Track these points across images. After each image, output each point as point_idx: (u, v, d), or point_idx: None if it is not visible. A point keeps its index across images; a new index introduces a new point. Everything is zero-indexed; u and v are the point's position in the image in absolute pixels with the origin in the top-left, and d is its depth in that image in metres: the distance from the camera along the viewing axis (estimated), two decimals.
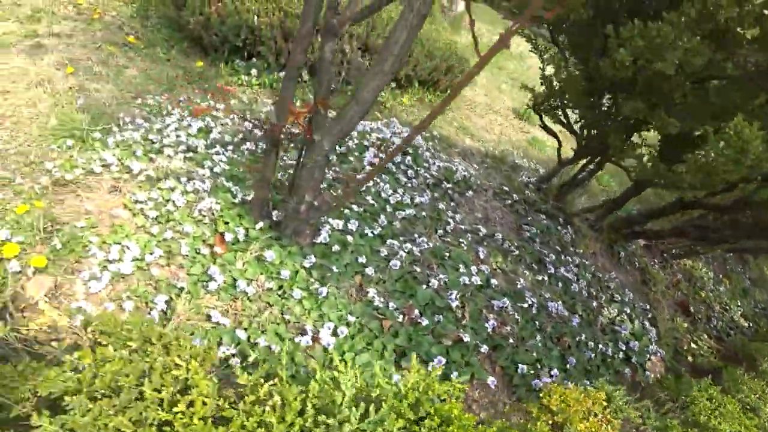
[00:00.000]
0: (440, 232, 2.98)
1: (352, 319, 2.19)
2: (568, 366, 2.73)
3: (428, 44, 3.90)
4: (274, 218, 2.39)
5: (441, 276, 2.62)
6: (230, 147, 2.71)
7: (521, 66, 7.46)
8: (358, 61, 3.61)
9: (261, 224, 2.35)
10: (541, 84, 3.13)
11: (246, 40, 3.31)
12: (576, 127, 3.17)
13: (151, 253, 2.14)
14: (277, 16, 3.27)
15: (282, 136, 2.13)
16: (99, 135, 2.54)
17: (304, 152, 2.15)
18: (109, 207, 2.32)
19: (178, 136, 2.65)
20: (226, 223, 2.36)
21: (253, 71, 3.38)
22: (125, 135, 2.59)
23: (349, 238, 2.54)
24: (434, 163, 3.29)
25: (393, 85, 4.06)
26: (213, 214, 2.34)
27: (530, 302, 2.80)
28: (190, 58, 3.51)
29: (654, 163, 2.20)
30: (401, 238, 2.77)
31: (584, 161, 3.43)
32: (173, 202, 2.30)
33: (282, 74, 3.48)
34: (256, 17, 3.24)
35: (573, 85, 2.53)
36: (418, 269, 2.60)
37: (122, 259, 2.07)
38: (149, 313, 1.96)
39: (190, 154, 2.60)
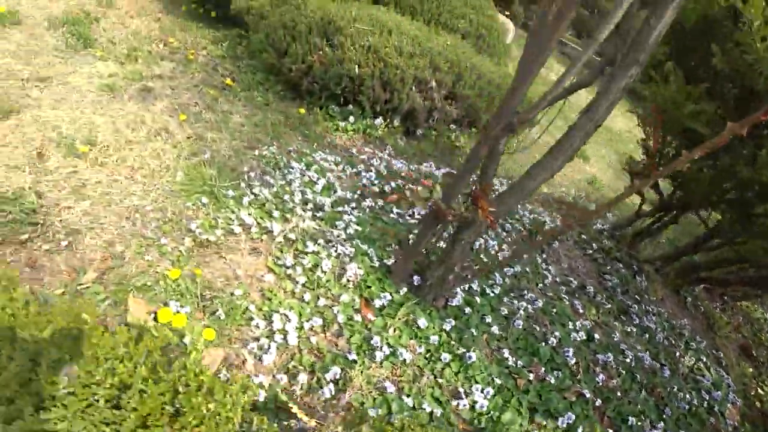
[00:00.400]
0: (540, 285, 3.05)
1: (498, 381, 2.24)
2: (664, 416, 2.82)
3: (504, 91, 3.96)
4: (414, 283, 2.42)
5: (556, 333, 2.68)
6: (353, 204, 2.72)
7: None
8: (445, 109, 3.65)
9: (404, 289, 2.38)
10: (643, 154, 3.24)
11: (345, 88, 3.31)
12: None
13: (308, 321, 2.14)
14: (377, 66, 3.28)
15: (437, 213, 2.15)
16: (231, 192, 2.53)
17: (460, 229, 2.18)
18: (255, 270, 2.33)
19: (303, 193, 2.66)
20: (369, 287, 2.38)
21: (351, 118, 3.38)
22: (255, 191, 2.61)
23: (476, 298, 2.58)
24: (524, 215, 3.35)
25: (472, 129, 4.11)
26: (357, 278, 2.36)
27: (629, 356, 2.88)
28: (287, 103, 3.52)
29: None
30: (511, 294, 2.83)
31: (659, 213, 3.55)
32: (320, 267, 2.30)
33: (377, 121, 3.50)
34: (357, 67, 3.24)
35: (697, 176, 2.65)
36: (537, 327, 2.66)
37: (286, 329, 2.06)
38: (322, 386, 1.96)
39: (320, 213, 2.61)
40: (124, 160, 2.67)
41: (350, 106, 3.52)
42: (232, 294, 2.16)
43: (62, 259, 2.17)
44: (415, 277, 2.47)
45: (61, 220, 2.31)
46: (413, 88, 3.49)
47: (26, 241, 2.18)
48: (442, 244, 2.54)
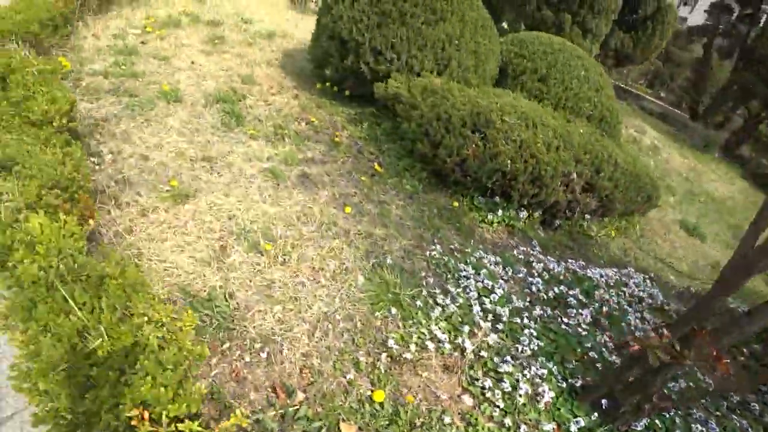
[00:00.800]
0: (702, 399, 2.89)
1: None
2: None
3: (638, 179, 3.92)
4: (602, 406, 2.35)
5: None
6: (525, 314, 2.68)
7: (659, 160, 7.37)
8: (584, 201, 3.61)
9: (595, 414, 2.30)
10: None
11: (496, 181, 3.34)
12: None
13: None
14: (530, 163, 3.30)
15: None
16: (419, 303, 2.54)
17: (669, 364, 2.11)
18: (452, 390, 2.31)
19: (482, 303, 2.66)
20: (558, 409, 2.32)
21: (499, 211, 3.40)
22: (439, 300, 2.63)
23: (656, 420, 2.48)
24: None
25: (602, 218, 4.06)
26: (549, 400, 2.30)
27: None
28: (434, 192, 3.66)
29: None
30: (679, 412, 2.69)
31: None
32: (517, 389, 2.25)
33: (521, 214, 3.50)
34: (510, 162, 3.26)
35: None
36: None
37: None
38: None
39: (500, 326, 2.59)
40: (303, 258, 2.74)
41: (496, 198, 3.54)
42: (440, 420, 2.14)
43: (263, 372, 2.21)
44: (604, 401, 2.40)
45: (255, 327, 2.37)
46: (559, 182, 3.48)
47: (227, 351, 2.22)
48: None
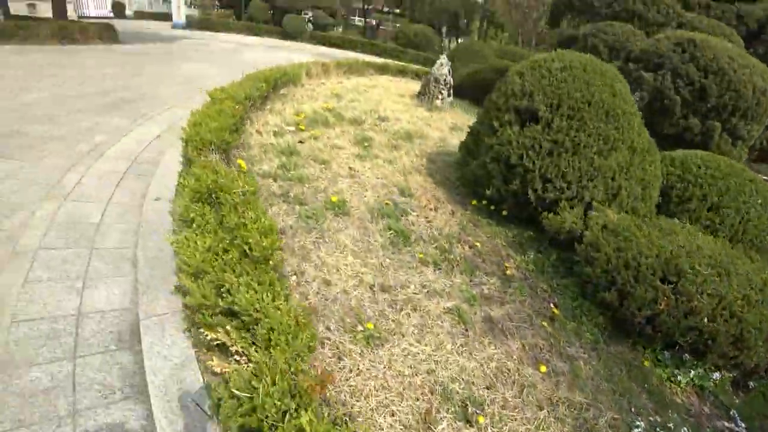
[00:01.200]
0: None
1: None
2: None
3: None
4: None
5: None
6: None
7: None
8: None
9: None
10: None
11: (688, 339, 3.14)
12: None
13: None
14: (730, 322, 3.10)
15: None
16: None
17: None
18: None
19: None
20: None
21: (691, 372, 3.19)
22: None
23: None
24: None
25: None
26: None
27: None
28: (618, 345, 3.54)
29: None
30: None
31: None
32: None
33: (714, 375, 3.25)
34: (707, 320, 3.07)
35: None
36: None
37: None
38: None
39: None
40: None
41: (685, 355, 3.35)
42: None
43: None
44: None
45: None
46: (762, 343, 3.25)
47: None
48: None
